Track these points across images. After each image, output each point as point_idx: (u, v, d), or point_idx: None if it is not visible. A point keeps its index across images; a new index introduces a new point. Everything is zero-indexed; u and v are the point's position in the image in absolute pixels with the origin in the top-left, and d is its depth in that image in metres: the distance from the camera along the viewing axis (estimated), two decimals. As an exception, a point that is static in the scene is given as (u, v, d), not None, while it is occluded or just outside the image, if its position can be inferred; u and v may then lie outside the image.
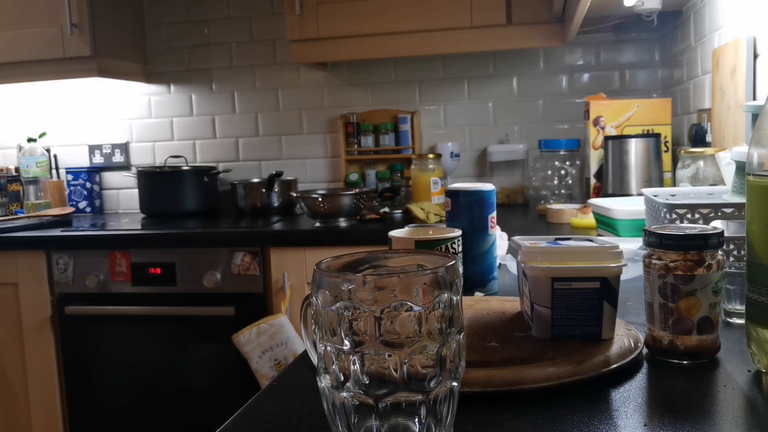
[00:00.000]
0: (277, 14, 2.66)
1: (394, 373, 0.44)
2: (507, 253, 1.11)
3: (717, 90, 1.69)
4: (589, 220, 1.63)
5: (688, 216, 0.93)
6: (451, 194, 0.98)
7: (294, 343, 1.98)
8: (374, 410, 0.45)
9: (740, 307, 0.76)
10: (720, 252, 0.65)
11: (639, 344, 0.67)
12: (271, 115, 2.73)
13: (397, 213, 2.29)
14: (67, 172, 2.75)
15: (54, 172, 2.81)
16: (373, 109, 2.65)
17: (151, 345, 2.10)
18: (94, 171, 2.78)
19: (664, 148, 1.95)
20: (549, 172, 2.25)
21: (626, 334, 0.69)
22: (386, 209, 2.26)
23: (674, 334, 0.65)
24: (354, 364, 0.44)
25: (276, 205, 2.51)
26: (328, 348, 0.46)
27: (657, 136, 1.87)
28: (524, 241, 0.75)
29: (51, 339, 2.16)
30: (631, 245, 1.16)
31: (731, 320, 0.78)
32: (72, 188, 2.74)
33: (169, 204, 2.50)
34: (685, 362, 0.65)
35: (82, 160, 2.84)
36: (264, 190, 2.49)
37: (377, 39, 2.27)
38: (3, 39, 2.42)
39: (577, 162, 2.26)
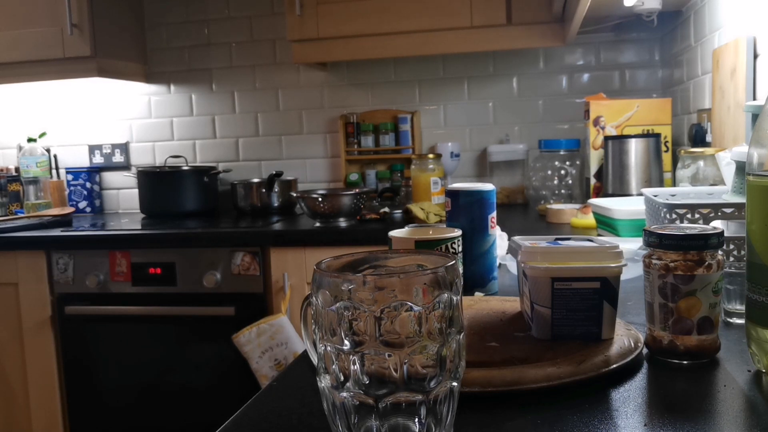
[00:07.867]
0: (277, 14, 2.66)
1: (394, 373, 0.44)
2: (507, 253, 1.11)
3: (717, 90, 1.69)
4: (589, 220, 1.63)
5: (688, 216, 0.93)
6: (451, 194, 0.98)
7: (294, 343, 1.98)
8: (374, 410, 0.45)
9: (740, 307, 0.76)
10: (720, 252, 0.65)
11: (639, 344, 0.67)
12: (271, 115, 2.73)
13: (397, 213, 2.29)
14: (67, 172, 2.75)
15: (54, 172, 2.81)
16: (373, 109, 2.65)
17: (151, 345, 2.10)
18: (94, 171, 2.78)
19: (664, 148, 1.94)
20: (549, 172, 2.25)
21: (626, 334, 0.69)
22: (386, 209, 2.26)
23: (674, 334, 0.65)
24: (354, 364, 0.44)
25: (276, 205, 2.50)
26: (328, 348, 0.46)
27: (657, 136, 1.87)
28: (524, 241, 0.75)
29: (51, 339, 2.16)
30: (631, 245, 1.16)
31: (731, 320, 0.77)
32: (72, 188, 2.74)
33: (169, 204, 2.50)
34: (685, 362, 0.65)
35: (82, 160, 2.84)
36: (264, 190, 2.49)
37: (377, 39, 2.27)
38: (3, 39, 2.42)
39: (577, 162, 2.26)
